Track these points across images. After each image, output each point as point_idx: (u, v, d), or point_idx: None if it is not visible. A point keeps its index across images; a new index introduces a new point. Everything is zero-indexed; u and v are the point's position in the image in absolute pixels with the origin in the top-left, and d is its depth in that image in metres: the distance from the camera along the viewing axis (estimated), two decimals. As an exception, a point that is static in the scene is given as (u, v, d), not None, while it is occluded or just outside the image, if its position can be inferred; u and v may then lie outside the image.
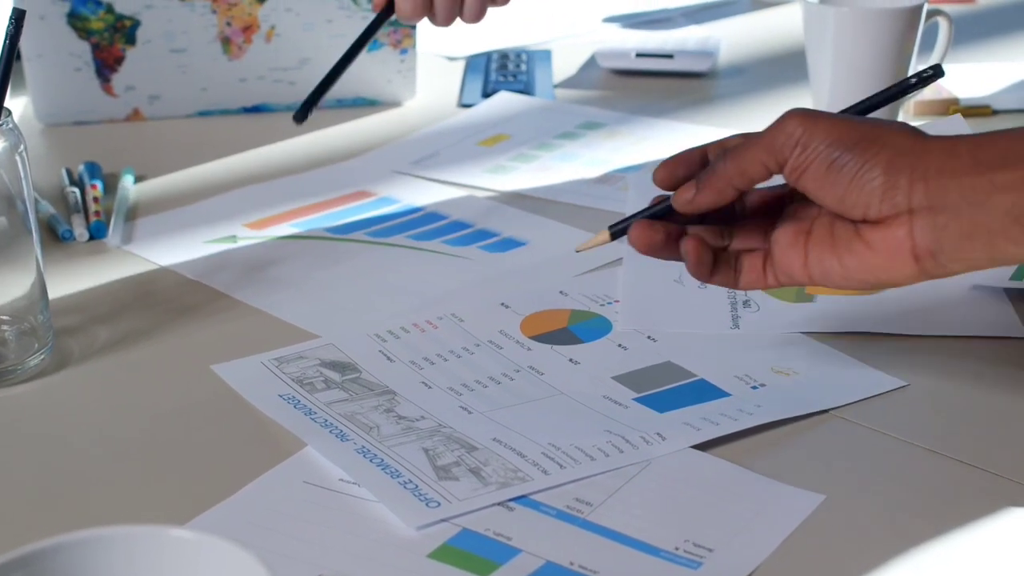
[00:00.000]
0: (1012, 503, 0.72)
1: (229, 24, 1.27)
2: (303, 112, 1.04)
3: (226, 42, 1.28)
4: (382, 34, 1.29)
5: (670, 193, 0.77)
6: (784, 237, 0.75)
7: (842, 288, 0.74)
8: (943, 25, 1.22)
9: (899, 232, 0.69)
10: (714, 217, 0.77)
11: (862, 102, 0.77)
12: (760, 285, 0.77)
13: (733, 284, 0.77)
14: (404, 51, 1.31)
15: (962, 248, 0.69)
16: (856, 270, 0.72)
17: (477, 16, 1.07)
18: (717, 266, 0.77)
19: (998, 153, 0.68)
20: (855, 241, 0.71)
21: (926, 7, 1.19)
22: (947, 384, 0.83)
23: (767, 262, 0.76)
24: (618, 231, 0.78)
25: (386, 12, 1.10)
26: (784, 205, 0.77)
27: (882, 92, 0.77)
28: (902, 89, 0.77)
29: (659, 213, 0.77)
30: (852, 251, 0.71)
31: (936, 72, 0.76)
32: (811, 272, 0.74)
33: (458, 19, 1.10)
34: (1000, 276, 0.92)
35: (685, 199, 0.75)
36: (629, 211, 1.06)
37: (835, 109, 1.21)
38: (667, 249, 0.76)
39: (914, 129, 0.71)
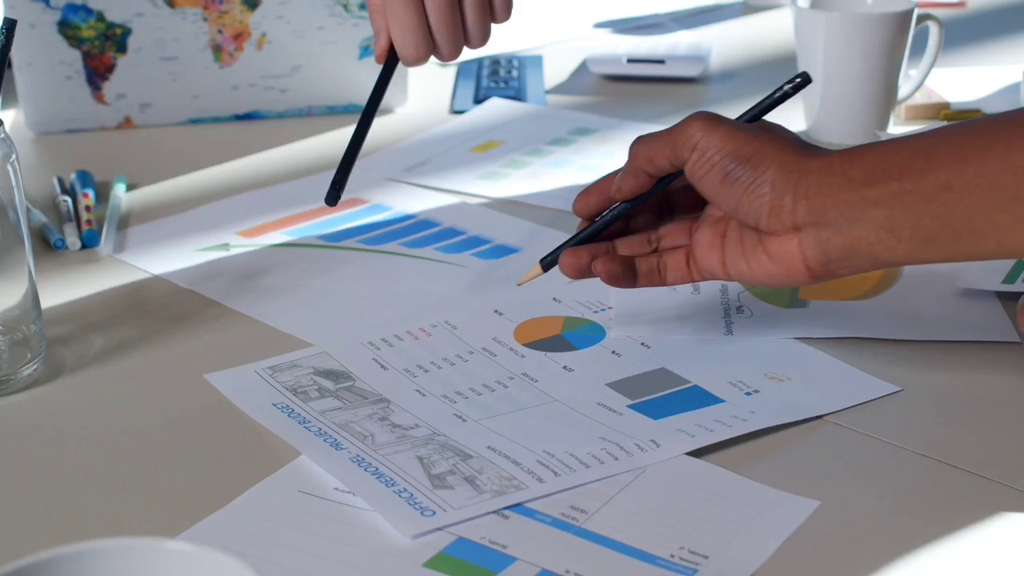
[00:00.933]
0: (1006, 508, 0.72)
1: (220, 32, 1.27)
2: (335, 194, 0.95)
3: (217, 50, 1.28)
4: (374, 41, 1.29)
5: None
6: (704, 238, 0.80)
7: (753, 284, 0.81)
8: (933, 30, 1.23)
9: (790, 245, 0.76)
10: (640, 225, 0.84)
11: (748, 112, 0.81)
12: (687, 280, 0.82)
13: (661, 283, 0.83)
14: (396, 58, 1.31)
15: (846, 258, 0.75)
16: (761, 275, 0.78)
17: (483, 39, 1.00)
18: (642, 270, 0.82)
19: (868, 169, 0.74)
20: (758, 249, 0.77)
21: (916, 12, 1.19)
22: (940, 389, 0.83)
23: (690, 259, 0.82)
24: (549, 262, 0.84)
25: (391, 62, 1.02)
26: (704, 204, 0.81)
27: (763, 101, 0.81)
28: (778, 98, 0.81)
29: (586, 238, 0.83)
30: (756, 258, 0.77)
31: (804, 79, 0.80)
32: (728, 272, 0.80)
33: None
34: (991, 279, 0.93)
35: (615, 188, 0.82)
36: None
37: (827, 114, 1.22)
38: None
39: (800, 144, 0.77)
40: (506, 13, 1.00)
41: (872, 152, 0.75)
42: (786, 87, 0.81)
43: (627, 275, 0.82)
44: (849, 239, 0.74)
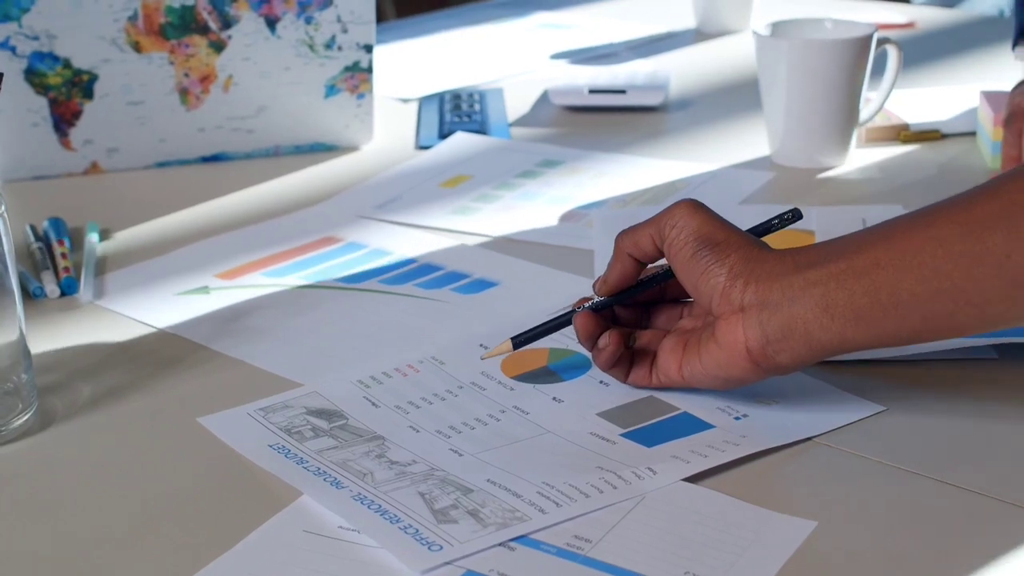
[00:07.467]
0: (1000, 520, 0.73)
1: (187, 75, 1.28)
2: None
3: (184, 93, 1.28)
4: (340, 80, 1.30)
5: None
6: (668, 344, 0.86)
7: (703, 387, 0.85)
8: (892, 53, 1.25)
9: (735, 328, 0.81)
10: (624, 322, 0.89)
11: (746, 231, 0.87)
12: (645, 383, 0.87)
13: (623, 379, 0.88)
14: (361, 95, 1.32)
15: (783, 338, 0.80)
16: (710, 367, 0.83)
17: None
18: (619, 361, 0.87)
19: (813, 256, 0.81)
20: (711, 339, 0.83)
21: (876, 36, 1.21)
22: (924, 406, 0.85)
23: (653, 365, 0.87)
24: (520, 342, 0.89)
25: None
26: (678, 320, 0.89)
27: (750, 229, 0.87)
28: (766, 228, 0.88)
29: (564, 321, 0.89)
30: (707, 349, 0.83)
31: (794, 215, 0.88)
32: (683, 373, 0.85)
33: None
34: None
35: (600, 281, 0.88)
36: (596, 248, 1.10)
37: (790, 139, 1.24)
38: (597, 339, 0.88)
39: (765, 244, 0.83)
40: None
41: (821, 245, 0.82)
42: (774, 220, 0.88)
43: (617, 360, 0.87)
44: (787, 318, 0.79)
